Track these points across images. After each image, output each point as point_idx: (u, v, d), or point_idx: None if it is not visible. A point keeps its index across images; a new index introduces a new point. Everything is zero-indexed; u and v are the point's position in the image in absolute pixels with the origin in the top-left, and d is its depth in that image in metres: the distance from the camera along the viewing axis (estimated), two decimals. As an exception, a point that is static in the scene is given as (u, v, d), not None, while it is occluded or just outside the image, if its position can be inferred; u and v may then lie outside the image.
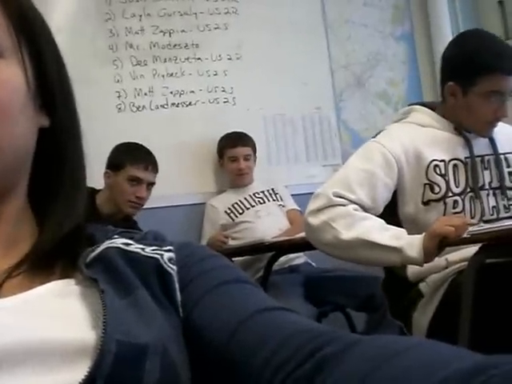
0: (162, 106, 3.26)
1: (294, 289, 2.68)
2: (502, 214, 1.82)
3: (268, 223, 3.00)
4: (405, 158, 1.76)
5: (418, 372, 0.36)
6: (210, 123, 3.30)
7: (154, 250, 0.57)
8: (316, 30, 3.62)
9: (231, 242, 2.91)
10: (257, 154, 3.20)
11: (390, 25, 3.80)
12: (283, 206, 3.13)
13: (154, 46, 3.28)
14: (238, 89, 3.39)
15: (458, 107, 1.80)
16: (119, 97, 3.19)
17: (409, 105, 1.98)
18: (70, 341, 0.46)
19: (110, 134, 2.87)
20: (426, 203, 1.77)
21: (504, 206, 1.83)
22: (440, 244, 1.55)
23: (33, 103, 0.56)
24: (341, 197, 1.68)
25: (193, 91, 3.32)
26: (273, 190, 3.17)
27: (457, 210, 1.77)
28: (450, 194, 1.77)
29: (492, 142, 1.85)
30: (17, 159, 0.55)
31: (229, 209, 3.07)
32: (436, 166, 1.77)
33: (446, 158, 1.79)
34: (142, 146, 2.71)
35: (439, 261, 1.67)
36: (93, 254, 0.55)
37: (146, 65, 3.25)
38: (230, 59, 3.41)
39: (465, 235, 1.55)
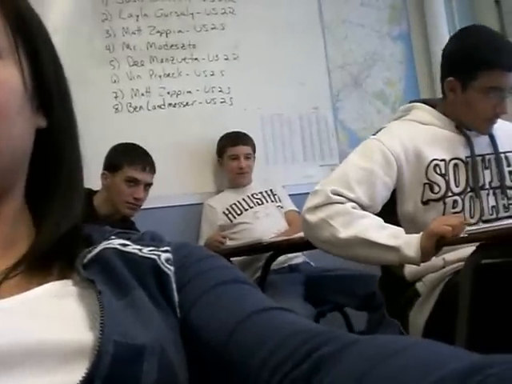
0: (159, 107, 3.26)
1: (293, 288, 2.67)
2: (502, 214, 1.81)
3: (266, 224, 2.99)
4: (404, 157, 1.75)
5: (415, 371, 0.36)
6: (208, 123, 3.29)
7: (151, 250, 0.57)
8: (313, 30, 3.62)
9: (229, 243, 2.90)
10: (255, 155, 3.20)
11: (387, 25, 3.80)
12: (281, 207, 3.12)
13: (151, 46, 3.28)
14: (235, 89, 3.39)
15: (458, 103, 1.79)
16: (116, 97, 3.19)
17: (409, 102, 1.95)
18: (67, 342, 0.46)
19: (107, 135, 2.87)
20: (425, 203, 1.76)
21: (504, 205, 1.82)
22: (437, 243, 1.55)
23: (30, 104, 0.56)
24: (339, 195, 1.67)
25: (190, 91, 3.32)
26: (271, 190, 3.16)
27: (456, 209, 1.76)
28: (450, 194, 1.76)
29: (492, 139, 1.84)
30: (14, 160, 0.55)
31: (227, 209, 3.06)
32: (436, 165, 1.76)
33: (447, 158, 1.78)
34: (139, 146, 2.70)
35: (436, 260, 1.66)
36: (90, 255, 0.55)
37: (142, 65, 3.24)
38: (227, 59, 3.41)
39: (462, 235, 1.55)
